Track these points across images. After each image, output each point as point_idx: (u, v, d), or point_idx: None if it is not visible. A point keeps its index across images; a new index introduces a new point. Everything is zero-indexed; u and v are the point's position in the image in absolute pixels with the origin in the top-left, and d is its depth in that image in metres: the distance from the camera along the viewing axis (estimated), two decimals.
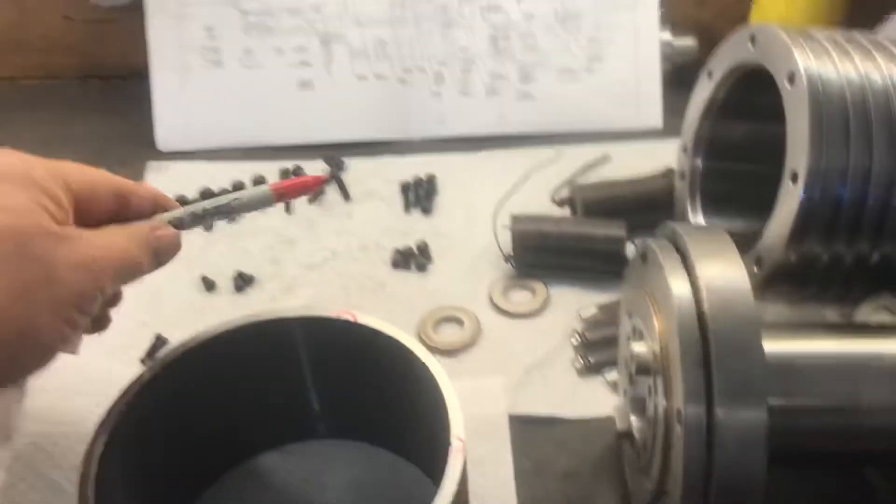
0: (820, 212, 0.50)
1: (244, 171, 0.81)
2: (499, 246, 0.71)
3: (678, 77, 0.84)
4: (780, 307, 0.58)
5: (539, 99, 0.86)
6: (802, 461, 0.49)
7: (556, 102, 0.85)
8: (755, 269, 0.53)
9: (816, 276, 0.53)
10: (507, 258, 0.70)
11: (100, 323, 0.47)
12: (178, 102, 0.84)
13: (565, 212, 0.75)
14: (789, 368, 0.47)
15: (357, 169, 0.82)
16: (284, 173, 0.81)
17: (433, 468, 0.46)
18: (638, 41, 0.85)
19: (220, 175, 0.80)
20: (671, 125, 0.79)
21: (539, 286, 0.69)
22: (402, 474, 0.54)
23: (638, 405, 0.51)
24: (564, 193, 0.76)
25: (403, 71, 0.85)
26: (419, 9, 0.84)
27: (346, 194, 0.79)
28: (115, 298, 0.47)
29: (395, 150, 0.84)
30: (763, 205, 0.54)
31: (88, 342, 0.62)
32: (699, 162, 0.66)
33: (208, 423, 0.51)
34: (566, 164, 0.81)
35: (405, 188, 0.79)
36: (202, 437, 0.51)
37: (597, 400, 0.61)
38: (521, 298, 0.69)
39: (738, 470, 0.42)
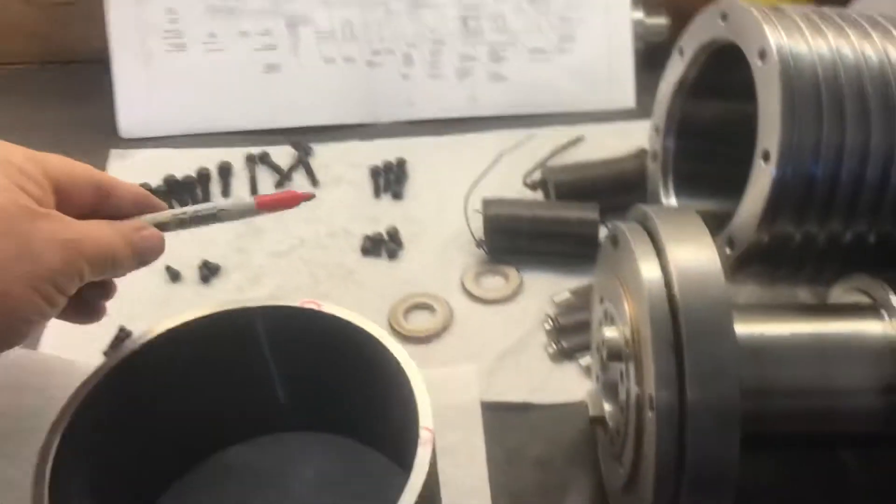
0: (792, 190, 0.50)
1: (209, 157, 0.79)
2: (470, 231, 0.70)
3: (651, 56, 0.83)
4: (753, 288, 0.58)
5: (510, 80, 0.84)
6: (776, 444, 0.49)
7: (528, 83, 0.84)
8: (727, 250, 0.53)
9: (789, 256, 0.52)
10: (479, 243, 0.69)
11: (93, 313, 0.47)
12: (141, 88, 0.82)
13: (538, 195, 0.74)
14: (762, 351, 0.46)
15: (325, 154, 0.80)
16: (250, 159, 0.79)
17: (404, 458, 0.45)
18: (609, 20, 0.84)
19: (184, 162, 0.78)
20: (645, 105, 0.78)
21: (512, 271, 0.69)
22: (372, 465, 0.53)
23: (611, 391, 0.50)
24: (537, 176, 0.75)
25: (372, 53, 0.83)
26: None
27: (313, 180, 0.78)
28: (108, 290, 0.47)
29: (363, 134, 0.83)
30: (736, 185, 0.53)
31: (49, 334, 0.61)
32: (671, 142, 0.65)
33: (172, 417, 0.50)
34: (538, 145, 0.80)
35: (375, 173, 0.78)
36: (166, 430, 0.50)
37: (570, 385, 0.60)
38: (493, 284, 0.68)
39: (711, 454, 0.41)
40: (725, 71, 0.59)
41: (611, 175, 0.73)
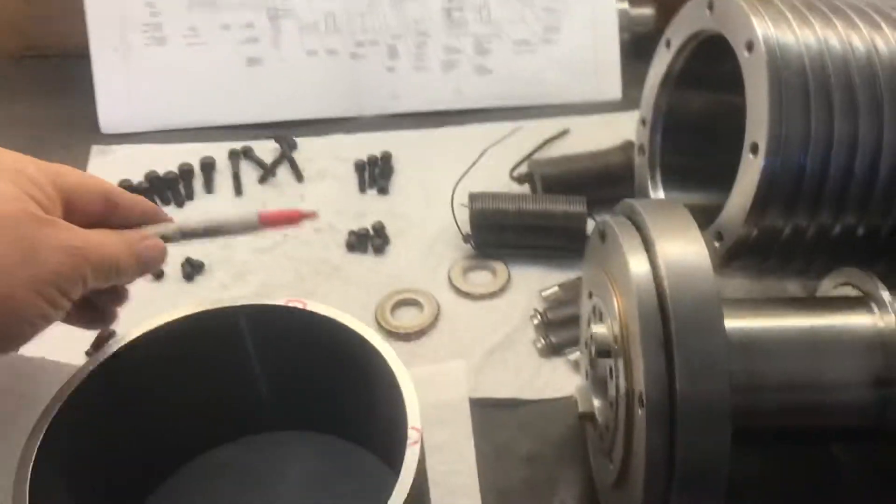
0: (781, 183, 0.49)
1: (192, 152, 0.78)
2: (457, 225, 0.69)
3: (637, 48, 0.83)
4: (742, 281, 0.57)
5: (496, 72, 0.84)
6: (767, 439, 0.49)
7: (514, 75, 0.84)
8: (716, 244, 0.52)
9: (778, 249, 0.52)
10: (465, 238, 0.69)
11: (105, 319, 0.49)
12: (121, 83, 0.81)
13: (525, 188, 0.73)
14: (752, 345, 0.46)
15: (309, 148, 0.79)
16: (233, 154, 0.78)
17: (392, 456, 0.45)
18: (595, 10, 0.83)
19: (166, 157, 0.77)
20: (631, 97, 0.78)
21: (499, 266, 0.68)
22: (361, 463, 0.52)
23: (600, 386, 0.49)
24: (523, 169, 0.75)
25: (355, 45, 0.83)
26: None
27: (298, 175, 0.77)
28: (120, 296, 0.48)
29: (348, 127, 0.82)
30: (724, 178, 0.53)
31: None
32: (658, 135, 0.65)
33: (157, 417, 0.49)
34: (525, 138, 0.79)
35: (360, 167, 0.77)
36: (152, 431, 0.49)
37: (559, 380, 0.60)
38: (481, 279, 0.68)
39: (701, 450, 0.41)
40: (713, 62, 0.59)
41: (597, 168, 0.72)
